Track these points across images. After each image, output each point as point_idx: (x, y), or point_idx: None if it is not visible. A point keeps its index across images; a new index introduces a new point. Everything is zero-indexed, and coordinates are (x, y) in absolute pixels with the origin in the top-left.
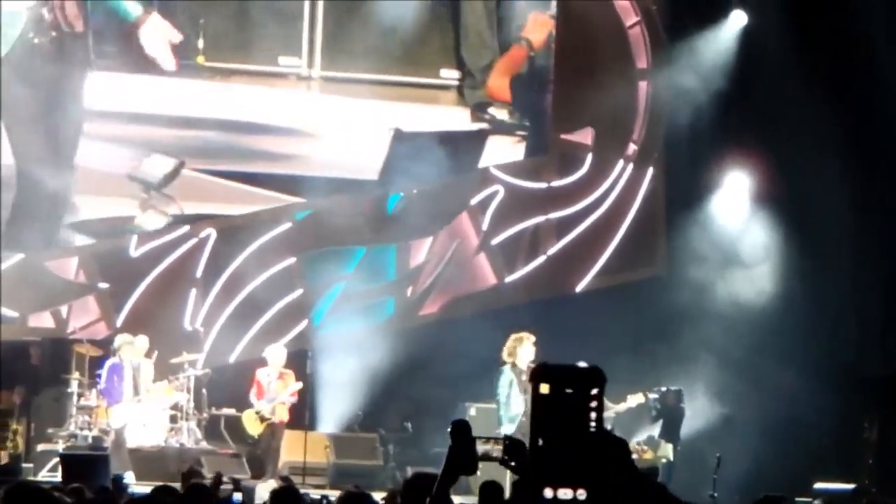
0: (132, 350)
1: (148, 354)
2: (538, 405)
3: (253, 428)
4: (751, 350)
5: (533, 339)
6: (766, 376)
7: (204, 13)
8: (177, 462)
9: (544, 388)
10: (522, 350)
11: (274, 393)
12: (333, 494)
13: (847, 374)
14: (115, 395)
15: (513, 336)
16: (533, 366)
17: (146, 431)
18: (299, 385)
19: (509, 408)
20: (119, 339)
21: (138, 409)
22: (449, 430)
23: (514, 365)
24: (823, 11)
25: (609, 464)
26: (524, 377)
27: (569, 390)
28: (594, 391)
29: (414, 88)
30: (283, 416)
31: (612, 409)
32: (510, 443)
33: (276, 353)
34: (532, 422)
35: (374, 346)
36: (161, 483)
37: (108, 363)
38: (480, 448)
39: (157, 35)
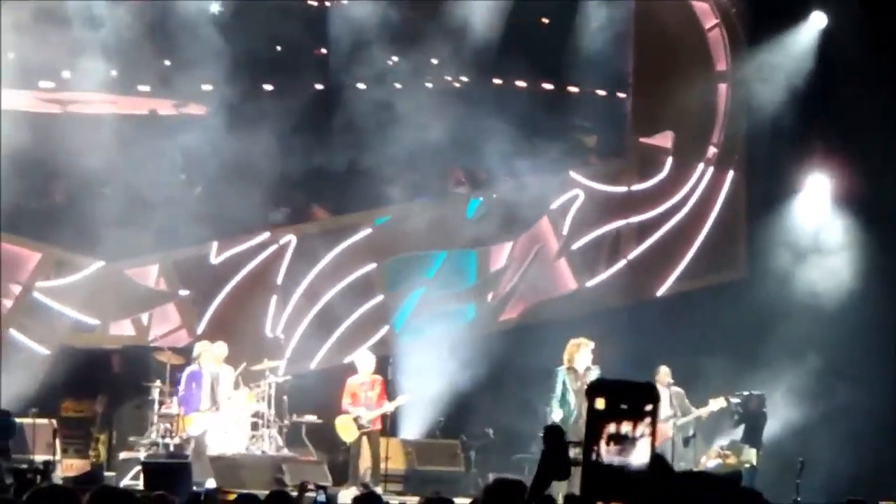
0: (212, 357)
1: (228, 361)
2: (593, 419)
3: (347, 434)
4: (834, 352)
5: (591, 345)
6: (849, 379)
7: None
8: (258, 469)
9: (600, 403)
10: (580, 355)
11: (370, 401)
12: (414, 501)
13: None
14: (194, 403)
15: (572, 341)
16: (590, 368)
17: (228, 439)
18: (407, 398)
19: (560, 405)
20: (198, 347)
21: (219, 417)
22: (542, 434)
23: (570, 368)
24: None
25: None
26: (579, 382)
27: (624, 406)
28: (648, 407)
29: None
30: (377, 424)
31: (694, 414)
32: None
33: (366, 359)
34: (587, 435)
35: (455, 352)
36: (244, 491)
37: (186, 371)
38: (573, 453)
39: None
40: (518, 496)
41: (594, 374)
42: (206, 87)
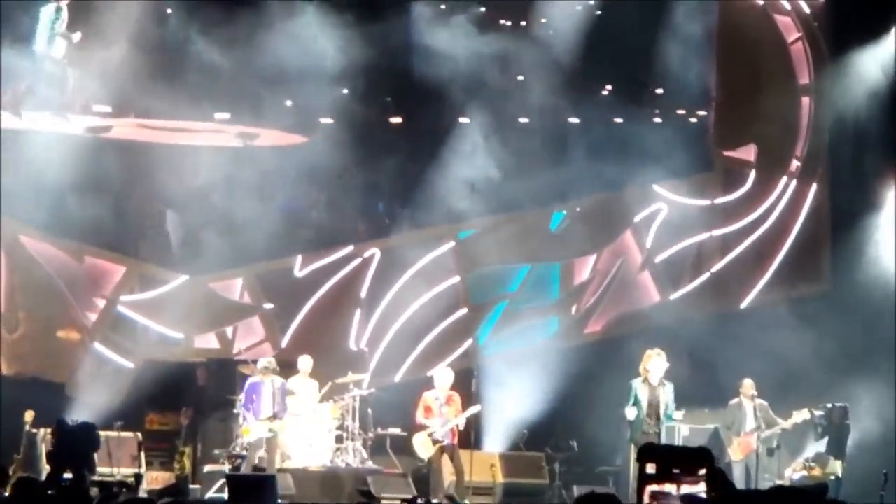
0: (272, 373)
1: (313, 375)
2: (642, 481)
3: (424, 451)
4: None
5: (662, 354)
6: None
7: None
8: (342, 482)
9: (651, 468)
10: (652, 364)
11: (446, 416)
12: None
13: None
14: (255, 413)
15: (647, 352)
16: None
17: (312, 452)
18: (478, 408)
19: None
20: (262, 361)
21: (297, 429)
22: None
23: (644, 380)
24: None
25: None
26: (652, 393)
27: (676, 470)
28: (702, 471)
29: None
30: (454, 438)
31: (778, 426)
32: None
33: (444, 376)
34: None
35: (539, 365)
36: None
37: (248, 381)
38: None
39: None
40: None
41: (669, 390)
42: (325, 121)
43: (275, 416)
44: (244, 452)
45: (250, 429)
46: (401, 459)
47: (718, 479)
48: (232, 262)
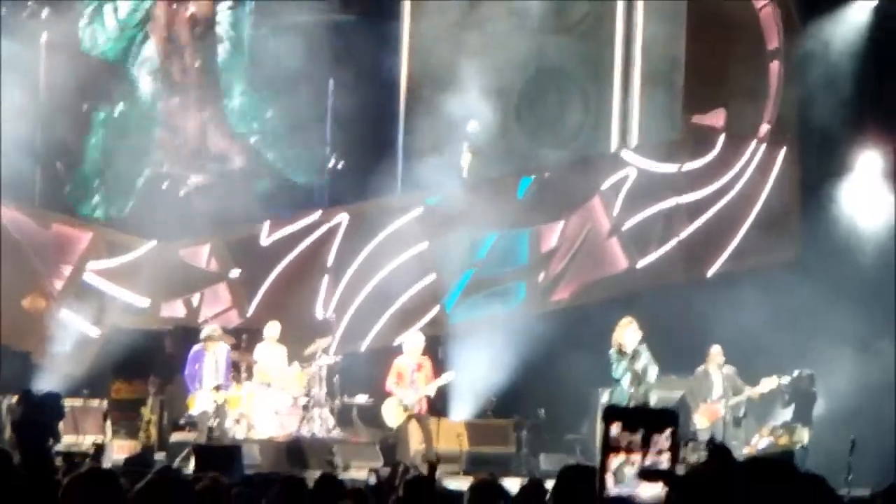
0: (215, 343)
1: (280, 341)
2: (607, 449)
3: (395, 418)
4: (886, 332)
5: (633, 322)
6: None
7: None
8: (309, 451)
9: (615, 428)
10: (625, 334)
11: (417, 383)
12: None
13: None
14: (195, 383)
15: (618, 324)
16: (638, 351)
17: (278, 420)
18: (452, 375)
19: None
20: (205, 331)
21: (269, 398)
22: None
23: (620, 349)
24: None
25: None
26: (633, 361)
27: (641, 430)
28: (668, 431)
29: None
30: (423, 406)
31: (745, 394)
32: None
33: (414, 341)
34: (601, 461)
35: (506, 332)
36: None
37: (192, 350)
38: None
39: None
40: (591, 482)
41: (644, 355)
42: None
43: (218, 388)
44: (200, 422)
45: (195, 398)
46: (368, 428)
47: (720, 453)
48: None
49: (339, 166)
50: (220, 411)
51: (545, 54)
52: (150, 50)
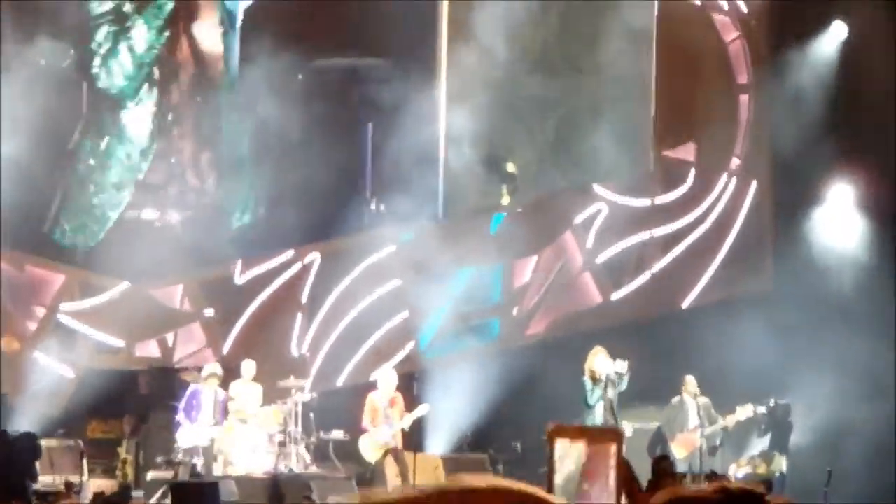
0: (216, 381)
1: (255, 380)
2: (553, 463)
3: (372, 454)
4: (862, 362)
5: (603, 350)
6: (878, 388)
7: None
8: (286, 487)
9: (560, 448)
10: (596, 362)
11: (391, 418)
12: None
13: None
14: (192, 419)
15: (589, 353)
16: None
17: (255, 457)
18: (426, 408)
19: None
20: (208, 369)
21: (243, 435)
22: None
23: (594, 378)
24: None
25: None
26: (606, 388)
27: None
28: (612, 449)
29: None
30: (399, 441)
31: (721, 423)
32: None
33: (387, 377)
34: (547, 478)
35: (481, 367)
36: None
37: (190, 388)
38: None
39: None
40: None
41: (625, 379)
42: None
43: (214, 424)
44: (183, 459)
45: (187, 434)
46: (344, 464)
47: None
48: (171, 268)
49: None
50: (207, 451)
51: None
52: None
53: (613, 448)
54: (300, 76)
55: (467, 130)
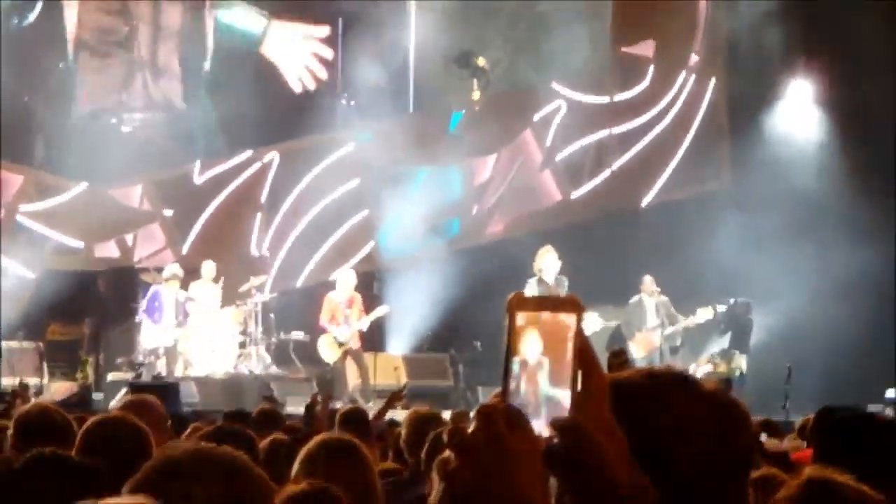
0: (176, 283)
1: (216, 280)
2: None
3: (330, 354)
4: (819, 260)
5: (553, 250)
6: (838, 286)
7: None
8: (247, 388)
9: (521, 319)
10: (545, 261)
11: (349, 318)
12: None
13: None
14: (156, 321)
15: (538, 251)
16: (559, 279)
17: (215, 358)
18: (386, 309)
19: None
20: (168, 270)
21: (205, 336)
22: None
23: (539, 279)
24: None
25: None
26: (551, 289)
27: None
28: (571, 320)
29: None
30: (358, 341)
31: (681, 323)
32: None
33: (346, 278)
34: (506, 356)
35: (441, 266)
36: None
37: (151, 289)
38: None
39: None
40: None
41: (566, 285)
42: None
43: (177, 326)
44: (146, 360)
45: (150, 336)
46: (304, 364)
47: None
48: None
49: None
50: (171, 352)
51: None
52: None
53: (573, 319)
54: None
55: (439, 25)
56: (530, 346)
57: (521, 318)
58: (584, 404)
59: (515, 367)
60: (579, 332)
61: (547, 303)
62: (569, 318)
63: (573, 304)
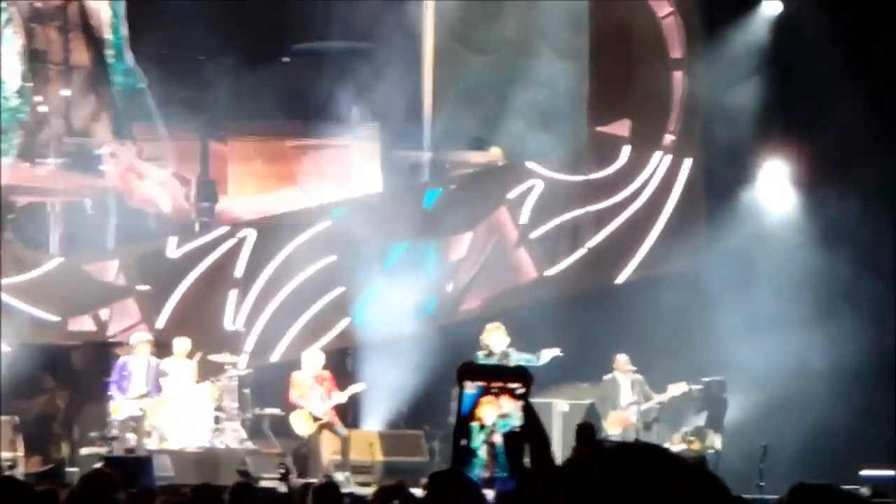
0: (146, 349)
1: (190, 356)
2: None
3: (304, 428)
4: (794, 339)
5: (502, 326)
6: (810, 365)
7: None
8: (222, 463)
9: (471, 388)
10: (492, 339)
11: (323, 395)
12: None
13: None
14: (123, 390)
15: (486, 326)
16: (507, 353)
17: (189, 433)
18: (363, 386)
19: None
20: (134, 337)
21: (179, 410)
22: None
23: (488, 353)
24: None
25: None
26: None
27: (497, 385)
28: (520, 387)
29: None
30: (335, 416)
31: (655, 399)
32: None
33: (312, 358)
34: (457, 422)
35: (416, 343)
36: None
37: (120, 359)
38: None
39: None
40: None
41: (514, 356)
42: None
43: (147, 395)
44: (119, 433)
45: (119, 407)
46: (280, 439)
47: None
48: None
49: None
50: (139, 423)
51: None
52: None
53: (520, 387)
54: None
55: None
56: (487, 411)
57: (470, 386)
58: (533, 478)
59: (475, 430)
60: (527, 404)
61: (497, 373)
62: (519, 389)
63: (522, 375)
